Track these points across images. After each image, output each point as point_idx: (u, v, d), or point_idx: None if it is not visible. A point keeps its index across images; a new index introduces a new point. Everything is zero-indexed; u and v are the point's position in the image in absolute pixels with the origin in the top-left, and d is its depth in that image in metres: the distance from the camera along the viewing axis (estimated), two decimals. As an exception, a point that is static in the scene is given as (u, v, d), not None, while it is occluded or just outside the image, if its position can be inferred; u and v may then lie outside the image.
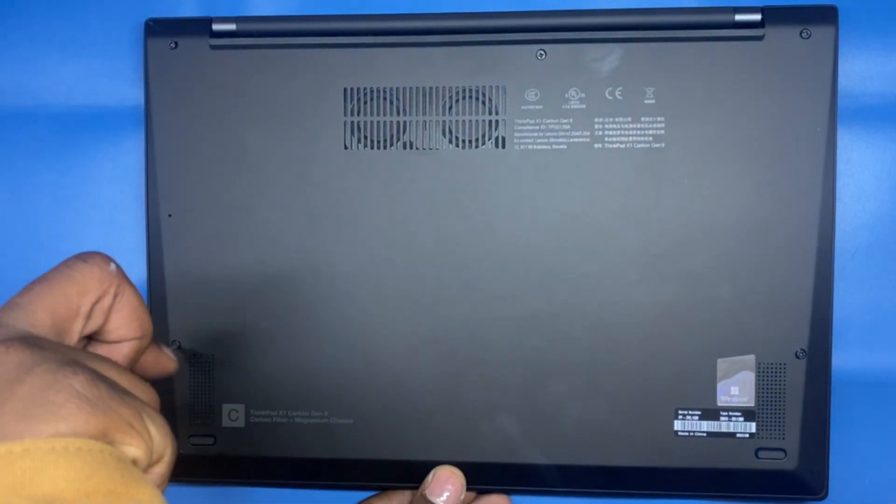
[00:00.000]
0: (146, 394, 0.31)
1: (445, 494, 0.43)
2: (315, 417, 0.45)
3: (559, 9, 0.44)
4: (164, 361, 0.37)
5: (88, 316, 0.31)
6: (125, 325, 0.32)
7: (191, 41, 0.45)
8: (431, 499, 0.43)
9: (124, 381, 0.30)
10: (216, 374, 0.46)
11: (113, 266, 0.32)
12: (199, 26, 0.45)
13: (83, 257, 0.32)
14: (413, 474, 0.45)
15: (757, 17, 0.43)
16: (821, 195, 0.43)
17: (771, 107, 0.43)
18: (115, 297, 0.32)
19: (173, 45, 0.45)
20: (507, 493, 0.46)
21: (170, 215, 0.46)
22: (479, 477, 0.45)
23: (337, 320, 0.45)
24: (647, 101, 0.43)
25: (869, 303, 0.46)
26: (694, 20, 0.43)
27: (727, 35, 0.43)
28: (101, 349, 0.33)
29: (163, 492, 0.30)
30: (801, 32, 0.43)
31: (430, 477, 0.44)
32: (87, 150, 0.48)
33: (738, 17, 0.43)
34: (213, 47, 0.45)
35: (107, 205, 0.49)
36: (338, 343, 0.45)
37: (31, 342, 0.27)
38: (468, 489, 0.44)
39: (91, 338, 0.33)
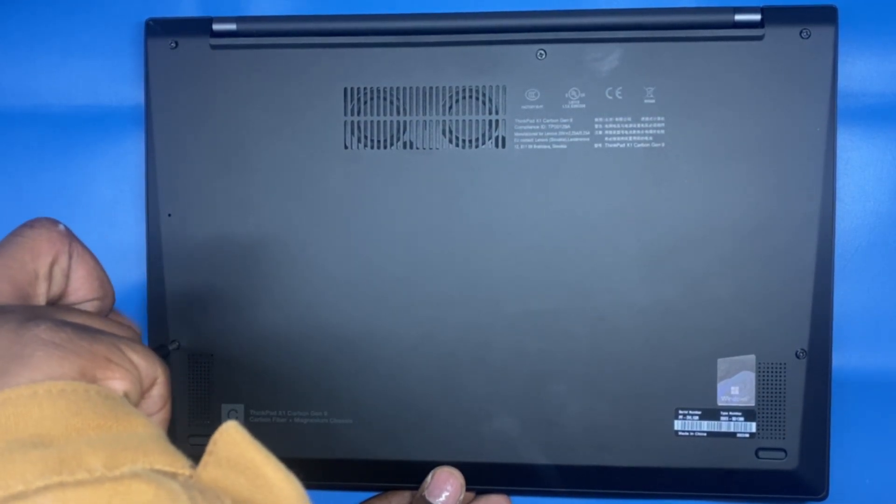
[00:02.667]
0: (124, 330, 0.31)
1: (445, 495, 0.43)
2: (314, 417, 0.45)
3: (559, 9, 0.44)
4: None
5: (49, 278, 0.31)
6: (84, 284, 0.32)
7: (191, 41, 0.45)
8: (431, 500, 0.43)
9: (96, 323, 0.30)
10: (215, 374, 0.46)
11: (61, 227, 0.32)
12: (200, 26, 0.45)
13: (30, 223, 0.32)
14: (413, 474, 0.45)
15: (757, 17, 0.43)
16: (821, 195, 0.43)
17: (771, 107, 0.43)
18: (70, 257, 0.32)
19: (173, 45, 0.45)
20: (507, 493, 0.46)
21: (170, 215, 0.46)
22: (479, 477, 0.45)
23: (337, 320, 0.45)
24: (647, 101, 0.43)
25: (869, 303, 0.45)
26: (694, 20, 0.43)
27: (727, 35, 0.43)
28: None
29: (167, 409, 0.30)
30: (800, 32, 0.43)
31: (429, 478, 0.44)
32: (88, 150, 0.48)
33: (738, 17, 0.43)
34: (214, 47, 0.45)
35: (107, 205, 0.49)
36: (338, 343, 0.45)
37: None
38: (468, 489, 0.44)
39: (54, 305, 0.33)
